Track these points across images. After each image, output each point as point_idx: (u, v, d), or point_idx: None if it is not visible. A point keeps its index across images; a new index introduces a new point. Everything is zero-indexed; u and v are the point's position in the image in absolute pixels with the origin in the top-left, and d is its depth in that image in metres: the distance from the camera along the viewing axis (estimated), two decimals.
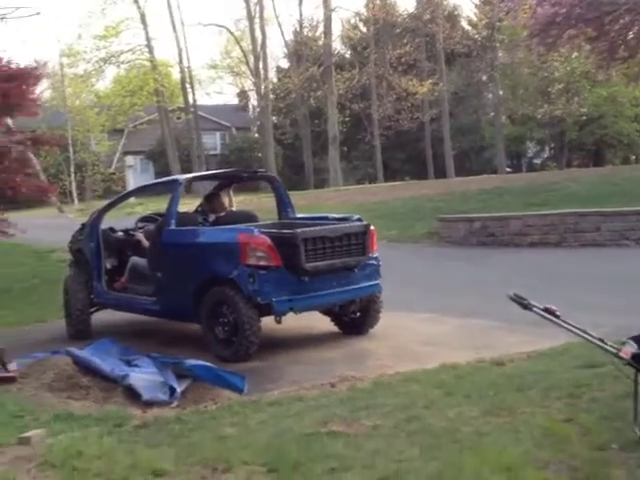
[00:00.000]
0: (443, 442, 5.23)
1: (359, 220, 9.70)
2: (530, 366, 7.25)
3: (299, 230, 8.93)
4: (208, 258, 9.08)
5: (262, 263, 8.59)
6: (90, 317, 10.65)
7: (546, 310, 5.21)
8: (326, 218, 10.18)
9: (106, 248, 10.68)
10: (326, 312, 9.77)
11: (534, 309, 5.14)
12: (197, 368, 7.16)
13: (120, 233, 11.12)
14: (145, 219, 11.45)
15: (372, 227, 9.55)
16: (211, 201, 10.78)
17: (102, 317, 11.04)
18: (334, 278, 9.04)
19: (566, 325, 5.20)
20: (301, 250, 8.60)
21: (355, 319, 9.73)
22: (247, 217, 10.48)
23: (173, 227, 9.57)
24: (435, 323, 9.85)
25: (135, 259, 10.47)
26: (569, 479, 4.53)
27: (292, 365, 8.30)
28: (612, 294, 10.54)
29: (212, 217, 10.42)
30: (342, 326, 9.82)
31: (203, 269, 9.10)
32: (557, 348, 7.87)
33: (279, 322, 8.91)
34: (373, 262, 9.55)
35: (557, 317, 5.22)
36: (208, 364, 7.27)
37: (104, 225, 10.95)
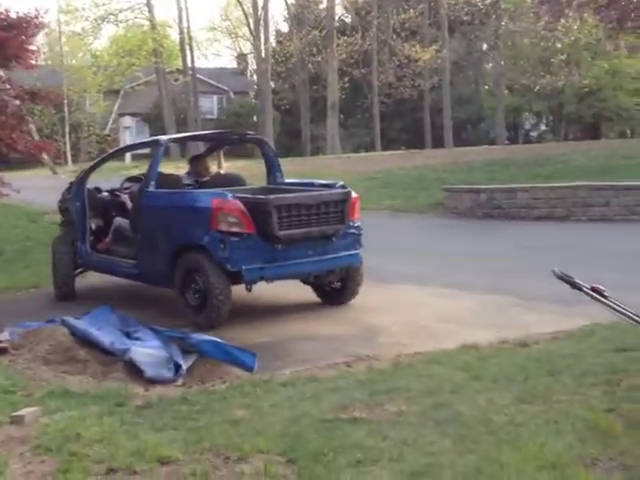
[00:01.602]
0: (476, 433, 4.81)
1: (343, 187, 9.33)
2: (557, 348, 6.82)
3: (272, 196, 8.62)
4: (181, 222, 8.81)
5: (234, 229, 8.28)
6: (74, 279, 10.53)
7: (593, 290, 4.77)
8: (312, 184, 9.88)
9: (91, 208, 10.47)
10: (306, 281, 9.48)
11: (583, 289, 4.68)
12: (205, 343, 6.68)
13: (105, 193, 10.87)
14: (132, 179, 11.09)
15: (354, 195, 9.19)
16: (196, 164, 10.58)
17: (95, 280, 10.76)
18: (310, 247, 8.72)
19: (615, 307, 4.77)
20: (274, 217, 8.26)
21: (335, 289, 9.44)
22: (234, 181, 10.20)
23: (152, 189, 9.27)
24: (449, 299, 9.37)
25: (119, 220, 10.24)
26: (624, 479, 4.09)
27: (300, 341, 7.80)
28: (629, 271, 10.06)
29: (199, 180, 10.18)
30: (322, 296, 9.54)
31: (176, 233, 8.87)
32: (583, 329, 7.47)
33: (249, 290, 8.68)
34: (354, 231, 9.17)
35: (605, 297, 4.78)
36: (217, 339, 6.79)
37: (91, 185, 10.74)
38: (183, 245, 8.72)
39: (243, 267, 8.26)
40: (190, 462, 4.54)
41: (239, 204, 8.33)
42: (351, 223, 9.09)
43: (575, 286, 4.72)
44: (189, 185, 9.93)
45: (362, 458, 4.48)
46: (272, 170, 10.46)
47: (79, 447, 4.74)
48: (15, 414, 5.35)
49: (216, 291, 8.22)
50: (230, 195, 8.49)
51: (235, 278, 8.40)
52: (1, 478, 4.39)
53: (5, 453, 4.76)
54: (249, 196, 8.73)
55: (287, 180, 10.51)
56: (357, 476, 4.27)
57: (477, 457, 4.43)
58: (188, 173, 10.65)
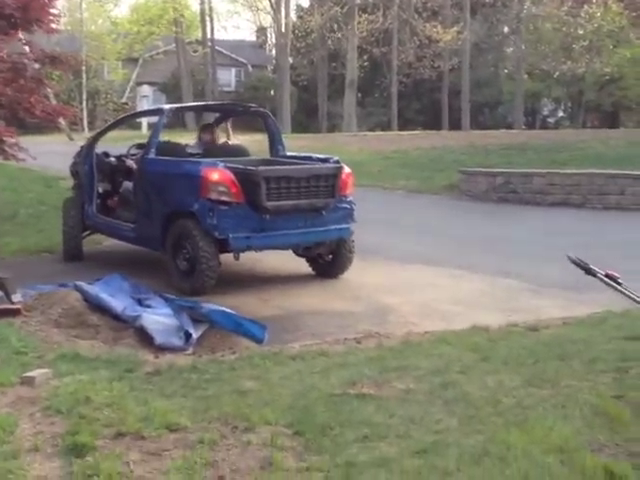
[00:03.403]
0: (484, 414, 4.82)
1: (336, 162, 9.52)
2: (568, 334, 6.82)
3: (261, 168, 8.85)
4: (175, 189, 9.10)
5: (223, 198, 8.57)
6: (81, 239, 10.81)
7: (607, 276, 4.75)
8: (310, 158, 10.16)
9: (99, 172, 10.75)
10: (298, 253, 9.78)
11: (597, 275, 4.67)
12: (215, 313, 6.69)
13: (113, 158, 11.04)
14: (140, 146, 11.17)
15: (347, 170, 9.41)
16: (205, 133, 10.88)
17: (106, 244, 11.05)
18: (299, 219, 8.96)
19: (629, 294, 4.76)
20: (262, 188, 8.50)
21: (327, 262, 9.70)
22: (238, 151, 10.45)
23: (152, 156, 9.59)
24: (461, 280, 9.38)
25: (126, 184, 10.46)
26: (630, 466, 4.09)
27: (310, 315, 7.85)
28: None
29: (205, 149, 10.37)
30: (315, 268, 9.80)
31: (170, 200, 9.17)
32: (594, 315, 7.48)
33: (237, 258, 8.96)
34: (345, 205, 9.38)
35: (619, 284, 4.77)
36: (227, 310, 6.79)
37: (100, 150, 11.05)
38: (175, 211, 9.01)
39: (230, 235, 8.52)
40: (198, 430, 4.56)
41: (229, 174, 8.59)
42: (343, 198, 9.29)
43: (590, 272, 4.71)
44: (195, 154, 10.11)
45: (369, 434, 4.49)
46: (274, 143, 10.67)
47: (89, 410, 4.76)
48: (26, 375, 5.38)
49: (204, 258, 8.46)
50: (221, 165, 8.73)
51: (223, 246, 8.63)
52: (11, 438, 4.42)
53: (15, 413, 4.79)
54: (240, 167, 8.88)
55: (288, 153, 10.71)
56: (364, 451, 4.28)
57: (484, 437, 4.43)
58: (197, 142, 10.86)
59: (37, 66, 12.51)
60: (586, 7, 29.70)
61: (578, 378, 5.48)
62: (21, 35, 13.06)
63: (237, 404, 4.95)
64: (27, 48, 13.50)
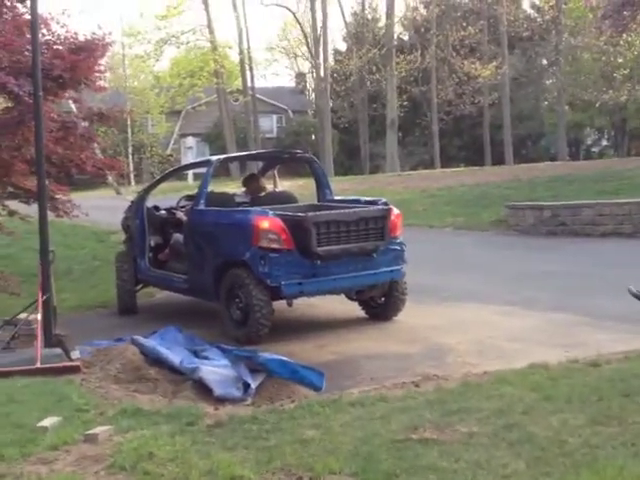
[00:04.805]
0: (551, 455, 4.72)
1: (384, 204, 9.51)
2: (630, 368, 6.66)
3: (310, 214, 8.86)
4: (226, 239, 9.16)
5: (274, 246, 8.59)
6: (135, 293, 10.92)
7: None
8: (358, 201, 10.17)
9: (150, 225, 10.87)
10: (350, 297, 9.76)
11: None
12: (272, 362, 6.68)
13: (163, 211, 11.21)
14: (189, 198, 11.35)
15: (396, 212, 9.40)
16: (249, 183, 10.99)
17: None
18: (350, 263, 8.94)
19: None
20: (312, 234, 8.52)
21: (380, 305, 9.67)
22: (285, 198, 10.54)
23: (201, 207, 9.68)
24: (516, 317, 9.29)
25: (177, 236, 10.58)
26: None
27: (367, 359, 7.85)
28: None
29: (253, 198, 10.47)
30: (368, 312, 9.77)
31: (221, 249, 9.23)
32: None
33: (290, 305, 9.00)
34: (396, 247, 9.36)
35: None
36: (284, 358, 6.79)
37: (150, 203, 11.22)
38: (227, 261, 9.06)
39: (282, 282, 8.53)
40: None
41: (278, 221, 8.64)
42: (393, 239, 9.27)
43: None
44: (242, 203, 10.21)
45: None
46: (321, 188, 10.71)
47: (153, 466, 4.77)
48: (89, 432, 5.40)
49: (257, 306, 8.49)
50: (271, 213, 8.79)
51: (275, 293, 8.64)
52: None
53: (80, 472, 4.81)
54: (289, 214, 8.95)
55: (336, 197, 10.74)
56: None
57: None
58: (244, 191, 10.98)
59: (86, 124, 12.73)
60: (625, 35, 29.48)
61: None
62: (67, 94, 13.27)
63: (300, 454, 4.92)
64: (73, 106, 13.75)
